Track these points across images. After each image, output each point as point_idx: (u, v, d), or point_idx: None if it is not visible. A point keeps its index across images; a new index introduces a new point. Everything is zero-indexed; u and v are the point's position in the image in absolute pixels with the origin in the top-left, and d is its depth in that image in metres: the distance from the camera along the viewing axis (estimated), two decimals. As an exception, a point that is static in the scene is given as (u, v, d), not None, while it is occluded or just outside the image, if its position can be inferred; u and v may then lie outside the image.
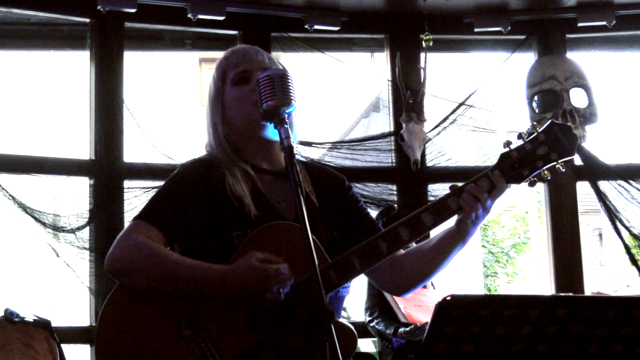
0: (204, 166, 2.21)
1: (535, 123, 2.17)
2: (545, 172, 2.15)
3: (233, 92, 2.23)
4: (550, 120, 2.20)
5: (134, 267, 2.06)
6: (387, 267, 2.21)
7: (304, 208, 1.85)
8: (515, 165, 2.14)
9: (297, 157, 2.23)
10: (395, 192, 5.19)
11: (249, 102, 2.17)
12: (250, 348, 2.02)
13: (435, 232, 2.24)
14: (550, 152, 2.14)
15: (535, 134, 2.16)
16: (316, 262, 1.81)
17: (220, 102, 2.25)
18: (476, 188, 2.10)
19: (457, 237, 2.13)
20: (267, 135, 2.19)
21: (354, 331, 2.06)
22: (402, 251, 2.24)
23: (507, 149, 2.16)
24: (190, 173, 2.21)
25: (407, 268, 2.22)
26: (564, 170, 2.16)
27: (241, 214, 2.12)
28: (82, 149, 4.99)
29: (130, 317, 2.05)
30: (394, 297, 4.42)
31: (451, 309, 1.82)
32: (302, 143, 5.02)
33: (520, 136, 2.16)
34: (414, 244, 2.28)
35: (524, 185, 2.17)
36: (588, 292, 5.47)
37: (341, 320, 2.11)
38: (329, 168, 2.43)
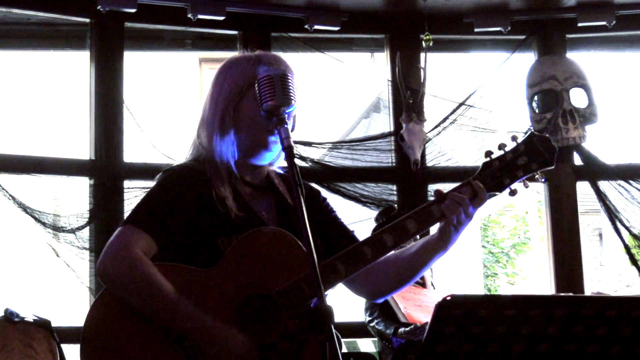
0: (190, 172, 2.19)
1: (515, 135, 2.23)
2: (526, 181, 2.20)
3: (253, 107, 2.12)
4: (530, 132, 2.25)
5: (122, 283, 2.05)
6: (364, 273, 2.18)
7: (304, 208, 1.86)
8: (496, 174, 2.19)
9: (276, 169, 2.25)
10: (395, 192, 5.19)
11: (263, 129, 2.12)
12: None
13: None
14: (530, 162, 2.20)
15: (516, 144, 2.21)
16: (315, 259, 1.82)
17: (235, 106, 2.19)
18: (458, 195, 2.13)
19: (439, 244, 2.16)
20: (263, 160, 2.21)
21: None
22: None
23: (488, 159, 2.21)
24: (177, 179, 2.19)
25: (386, 273, 2.23)
26: (543, 180, 2.21)
27: (226, 221, 2.12)
28: (82, 149, 4.99)
29: (117, 320, 2.05)
30: (394, 296, 4.42)
31: (451, 309, 1.82)
32: (302, 143, 5.02)
33: (501, 147, 2.21)
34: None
35: (505, 194, 2.22)
36: (588, 292, 5.47)
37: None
38: (304, 181, 2.44)
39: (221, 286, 2.05)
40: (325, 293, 2.12)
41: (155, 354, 2.01)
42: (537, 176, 2.20)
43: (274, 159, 2.24)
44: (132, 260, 2.05)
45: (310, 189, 2.36)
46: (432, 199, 5.39)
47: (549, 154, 2.20)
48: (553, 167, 2.21)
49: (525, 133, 2.27)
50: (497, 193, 2.20)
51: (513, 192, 2.21)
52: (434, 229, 2.22)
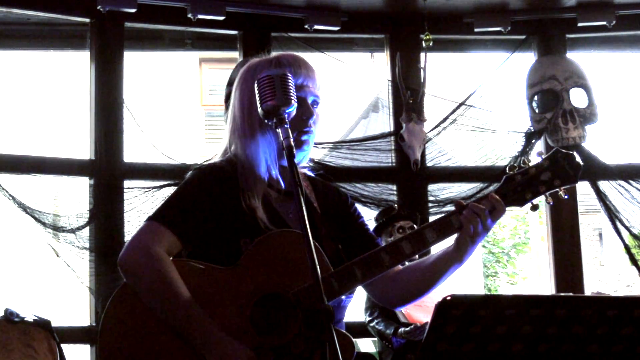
0: (220, 173, 2.21)
1: (541, 150, 2.27)
2: (548, 197, 2.20)
3: None
4: (555, 148, 2.25)
5: (140, 278, 2.08)
6: (385, 281, 2.23)
7: (303, 207, 1.86)
8: (518, 189, 2.19)
9: (306, 172, 2.26)
10: (395, 192, 5.19)
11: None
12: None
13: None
14: (554, 178, 2.19)
15: (540, 160, 2.21)
16: (315, 259, 1.82)
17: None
18: (477, 206, 2.14)
19: (454, 256, 2.16)
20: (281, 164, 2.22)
21: (352, 340, 2.08)
22: (399, 266, 2.27)
23: (511, 173, 2.21)
24: (205, 178, 2.21)
25: (404, 283, 2.25)
26: (566, 197, 2.21)
27: (251, 223, 2.14)
28: (82, 149, 4.98)
29: (133, 318, 2.07)
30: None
31: (451, 309, 1.81)
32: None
33: (525, 162, 2.22)
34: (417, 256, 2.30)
35: (526, 208, 2.22)
36: (588, 292, 5.47)
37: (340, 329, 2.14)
38: (333, 185, 2.46)
39: (238, 286, 2.07)
40: (348, 296, 2.17)
41: (171, 350, 2.04)
42: (560, 192, 2.20)
43: (300, 160, 2.23)
44: (151, 257, 2.07)
45: (339, 192, 2.39)
46: (431, 198, 5.37)
47: (573, 171, 2.20)
48: (577, 183, 2.21)
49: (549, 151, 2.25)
50: (517, 207, 2.21)
51: (535, 207, 2.22)
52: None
